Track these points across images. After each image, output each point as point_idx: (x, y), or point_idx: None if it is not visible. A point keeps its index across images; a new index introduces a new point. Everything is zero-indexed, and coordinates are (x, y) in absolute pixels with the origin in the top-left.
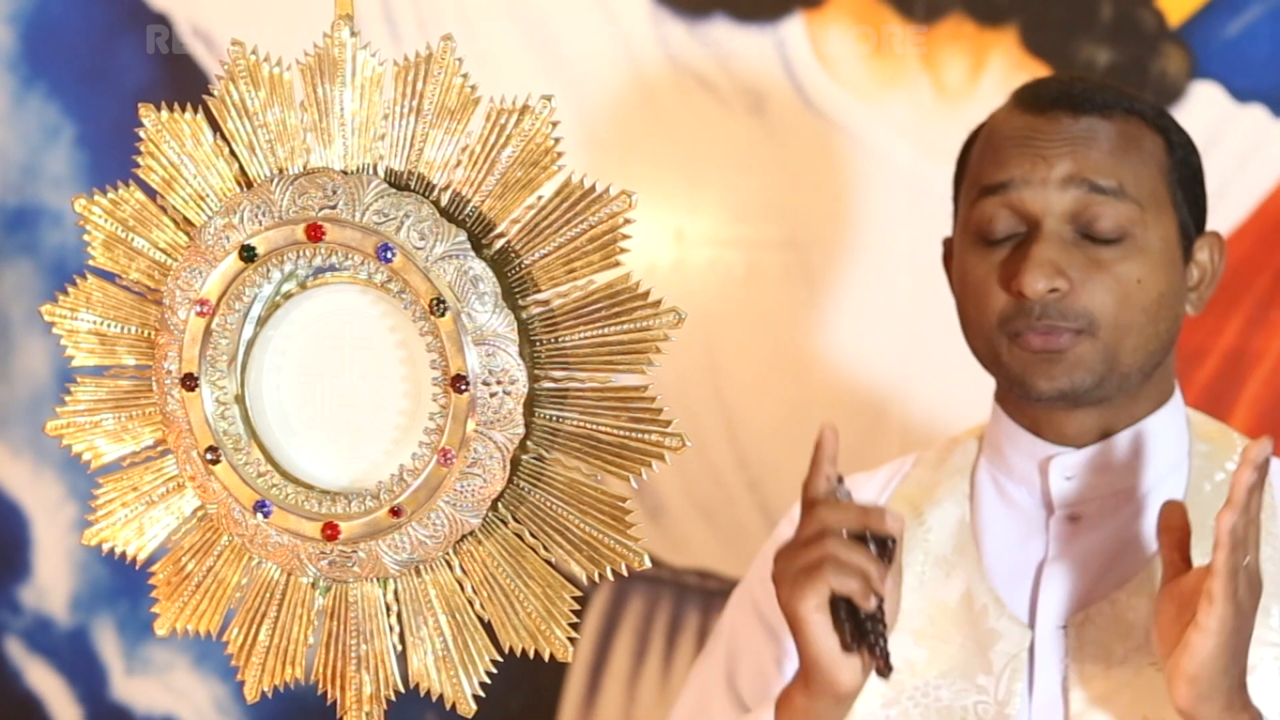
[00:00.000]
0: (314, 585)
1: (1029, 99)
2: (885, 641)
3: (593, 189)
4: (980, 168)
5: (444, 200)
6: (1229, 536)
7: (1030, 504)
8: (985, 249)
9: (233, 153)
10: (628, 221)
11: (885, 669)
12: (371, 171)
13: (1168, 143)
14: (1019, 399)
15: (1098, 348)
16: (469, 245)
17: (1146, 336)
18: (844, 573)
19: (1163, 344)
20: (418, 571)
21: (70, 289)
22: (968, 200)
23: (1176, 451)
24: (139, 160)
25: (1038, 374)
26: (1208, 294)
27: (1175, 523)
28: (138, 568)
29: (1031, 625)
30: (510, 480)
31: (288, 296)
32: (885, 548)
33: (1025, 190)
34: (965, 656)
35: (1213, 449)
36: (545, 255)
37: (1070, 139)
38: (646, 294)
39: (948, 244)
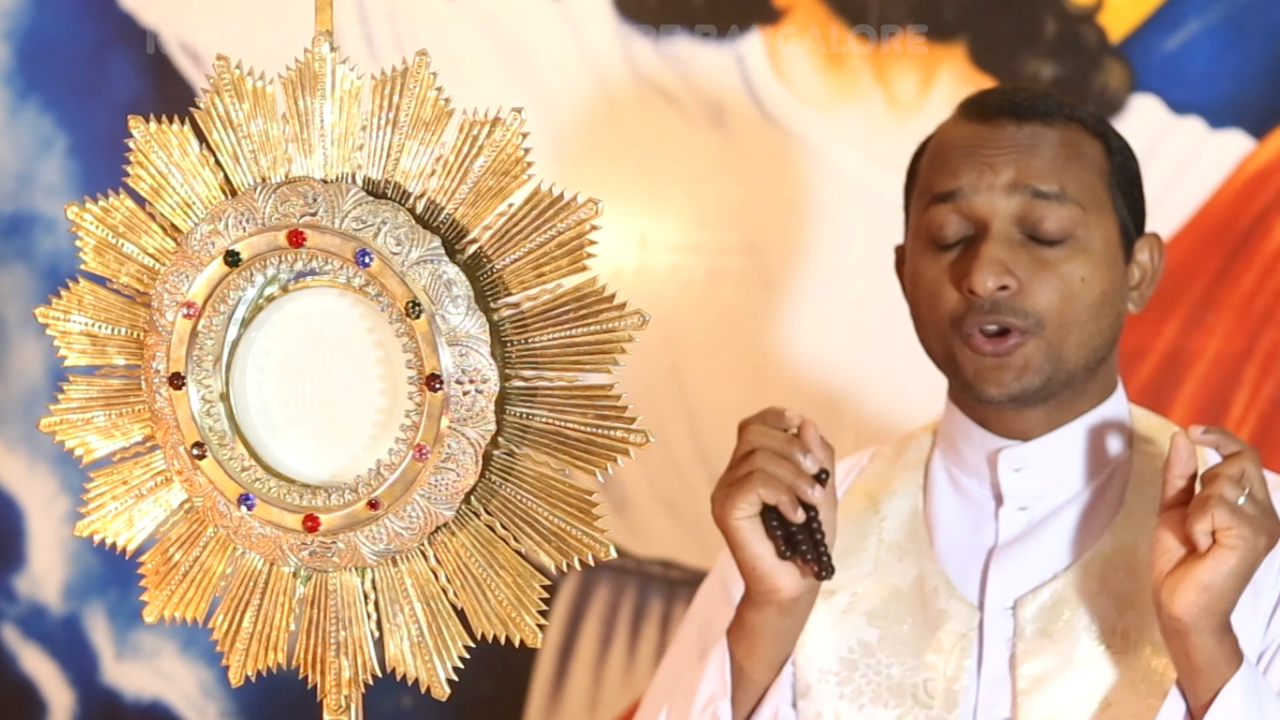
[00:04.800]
0: (295, 575)
1: (974, 109)
2: (822, 547)
3: (561, 197)
4: (930, 177)
5: (419, 208)
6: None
7: (981, 495)
8: (936, 253)
9: (218, 162)
10: (594, 228)
11: (824, 572)
12: (350, 180)
13: (1107, 148)
14: (971, 401)
15: (1042, 347)
16: (443, 250)
17: (1089, 334)
18: (771, 485)
19: (1105, 340)
20: (394, 561)
21: (63, 292)
22: (919, 207)
23: (1119, 444)
24: (129, 169)
25: (988, 380)
26: (1148, 293)
27: (1184, 455)
28: (127, 558)
29: (981, 606)
30: (482, 474)
31: (270, 299)
32: (820, 479)
33: (973, 197)
34: (916, 636)
35: (1154, 442)
36: (516, 260)
37: (1014, 146)
38: (612, 297)
39: (899, 251)
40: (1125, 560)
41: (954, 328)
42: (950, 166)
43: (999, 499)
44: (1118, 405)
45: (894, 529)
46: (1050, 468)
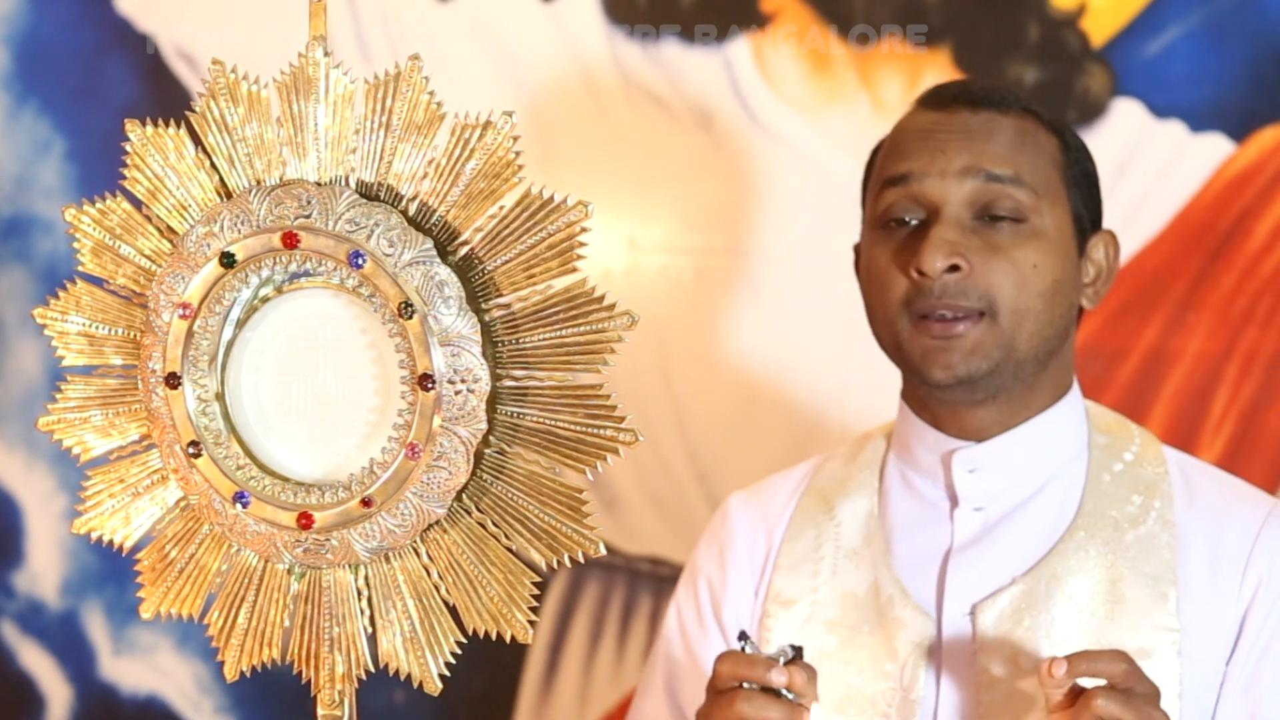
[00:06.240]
0: (289, 571)
1: (931, 98)
2: None
3: (551, 199)
4: (885, 163)
5: (412, 210)
6: None
7: (936, 496)
8: (888, 237)
9: (213, 165)
10: (584, 230)
11: None
12: (344, 183)
13: (1063, 143)
14: (920, 388)
15: (994, 334)
16: (435, 252)
17: (1042, 323)
18: None
19: (1057, 331)
20: (387, 558)
21: (61, 293)
22: (873, 194)
23: (1076, 443)
24: (125, 172)
25: (934, 362)
26: (1104, 289)
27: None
28: (124, 555)
29: (939, 612)
30: (474, 473)
31: (265, 300)
32: (798, 654)
33: (925, 181)
34: (873, 644)
35: (1111, 440)
36: (507, 261)
37: (968, 132)
38: (601, 298)
39: (857, 249)
40: (1083, 563)
41: (903, 310)
42: (903, 151)
43: (954, 500)
44: (1073, 403)
45: (850, 534)
46: (1005, 468)
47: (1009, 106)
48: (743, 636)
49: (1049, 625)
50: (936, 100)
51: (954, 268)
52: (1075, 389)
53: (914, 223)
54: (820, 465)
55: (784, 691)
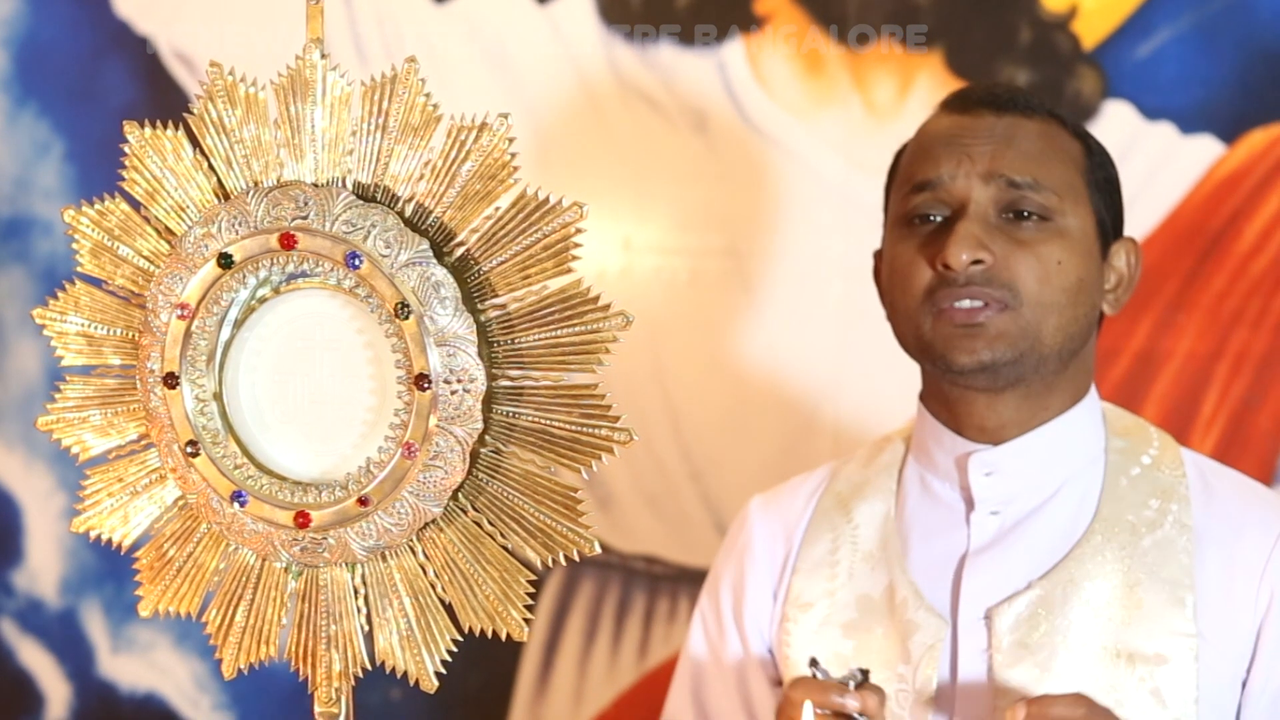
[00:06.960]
0: (287, 570)
1: (956, 101)
2: None
3: (547, 201)
4: (911, 167)
5: (408, 211)
6: None
7: (953, 499)
8: (912, 233)
9: (211, 167)
10: (579, 231)
11: None
12: (340, 184)
13: (1086, 148)
14: (941, 379)
15: (1020, 323)
16: (431, 253)
17: (1067, 319)
18: None
19: (1081, 329)
20: (383, 557)
21: (60, 294)
22: (899, 197)
23: (1093, 446)
24: (124, 174)
25: (958, 347)
26: (1125, 297)
27: None
28: (123, 553)
29: (954, 616)
30: (469, 472)
31: (262, 301)
32: (865, 676)
33: (951, 184)
34: (887, 647)
35: (1129, 444)
36: (502, 262)
37: (992, 136)
38: (596, 298)
39: (877, 256)
40: (1099, 568)
41: (926, 302)
42: (931, 156)
43: (970, 504)
44: (1091, 406)
45: (867, 537)
46: (1021, 471)
47: (1034, 110)
48: (813, 663)
49: (1065, 630)
50: (961, 104)
51: (978, 261)
52: (1093, 392)
53: (939, 219)
54: (838, 468)
55: (856, 718)
